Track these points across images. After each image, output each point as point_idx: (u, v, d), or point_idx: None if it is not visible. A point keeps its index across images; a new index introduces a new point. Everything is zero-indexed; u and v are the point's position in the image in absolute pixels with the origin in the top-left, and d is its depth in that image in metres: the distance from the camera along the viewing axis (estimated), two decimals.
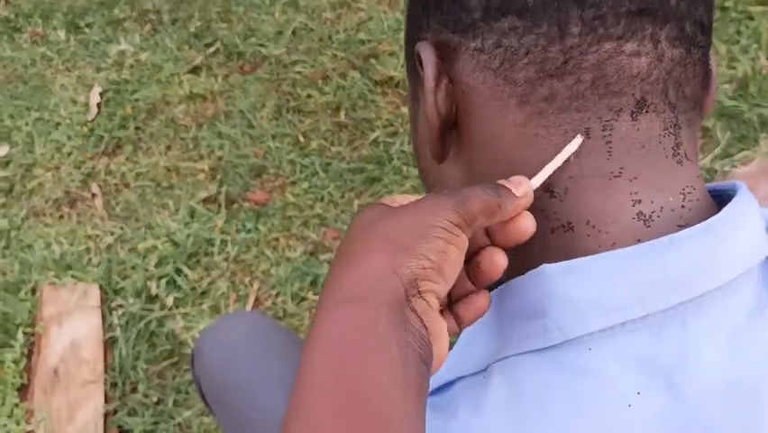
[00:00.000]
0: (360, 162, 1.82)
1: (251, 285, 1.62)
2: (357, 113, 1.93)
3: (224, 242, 1.69)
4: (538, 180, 0.39)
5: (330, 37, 2.14)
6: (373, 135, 1.87)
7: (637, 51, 0.38)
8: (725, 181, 0.42)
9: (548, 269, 0.38)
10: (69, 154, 1.94)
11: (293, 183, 1.80)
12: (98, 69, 2.16)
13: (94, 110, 2.04)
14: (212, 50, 2.16)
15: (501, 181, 0.39)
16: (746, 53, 1.83)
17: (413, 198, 0.40)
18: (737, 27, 1.89)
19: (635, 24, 0.38)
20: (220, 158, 1.88)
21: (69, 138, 1.98)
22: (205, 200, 1.79)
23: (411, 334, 0.34)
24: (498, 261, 0.39)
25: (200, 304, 1.60)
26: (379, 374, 0.32)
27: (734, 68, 1.80)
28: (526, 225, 0.39)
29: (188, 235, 1.69)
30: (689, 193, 0.39)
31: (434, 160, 0.45)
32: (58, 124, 2.02)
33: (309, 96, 1.98)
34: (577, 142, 0.39)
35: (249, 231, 1.71)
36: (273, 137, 1.90)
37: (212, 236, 1.70)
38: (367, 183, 1.78)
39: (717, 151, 1.66)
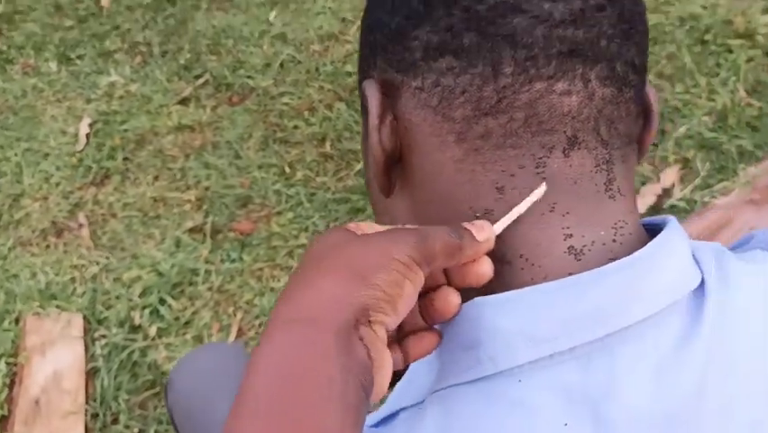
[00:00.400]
0: (345, 193, 1.83)
1: (235, 315, 1.62)
2: (342, 144, 1.95)
3: (208, 272, 1.69)
4: (501, 226, 0.40)
5: (317, 69, 2.17)
6: (358, 166, 1.89)
7: (568, 91, 0.39)
8: (658, 216, 0.44)
9: (481, 301, 0.39)
10: (57, 184, 1.96)
11: (278, 213, 1.81)
12: (88, 101, 2.19)
13: (83, 141, 2.06)
14: (201, 81, 2.18)
15: (465, 224, 0.40)
16: (726, 86, 1.85)
17: (377, 226, 0.41)
18: (717, 60, 1.93)
19: (565, 65, 0.39)
20: (207, 188, 1.89)
21: (58, 168, 1.99)
22: (191, 230, 1.80)
23: (355, 361, 0.34)
24: (452, 301, 0.40)
25: (183, 334, 1.60)
26: (316, 397, 0.32)
27: (713, 100, 1.83)
28: (485, 269, 0.39)
29: (173, 265, 1.70)
30: (620, 228, 0.41)
31: (382, 193, 0.46)
32: (47, 154, 2.04)
33: (296, 127, 2.01)
34: (541, 190, 0.40)
35: (233, 261, 1.72)
36: (259, 167, 1.91)
37: (196, 266, 1.70)
38: (352, 213, 1.79)
39: (698, 181, 1.68)
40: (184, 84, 2.19)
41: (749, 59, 1.91)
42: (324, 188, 1.86)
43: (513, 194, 0.40)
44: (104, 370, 1.53)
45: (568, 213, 0.40)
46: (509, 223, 0.40)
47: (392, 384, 0.51)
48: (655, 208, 1.65)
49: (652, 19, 2.08)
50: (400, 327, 0.43)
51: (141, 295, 1.66)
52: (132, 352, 1.56)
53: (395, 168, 0.45)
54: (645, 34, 0.43)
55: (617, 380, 0.37)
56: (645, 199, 1.64)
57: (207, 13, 2.43)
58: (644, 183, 1.70)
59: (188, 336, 1.59)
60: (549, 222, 0.40)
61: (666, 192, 1.67)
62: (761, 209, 1.61)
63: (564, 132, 0.40)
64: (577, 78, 0.39)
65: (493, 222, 0.40)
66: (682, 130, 1.78)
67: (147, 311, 1.62)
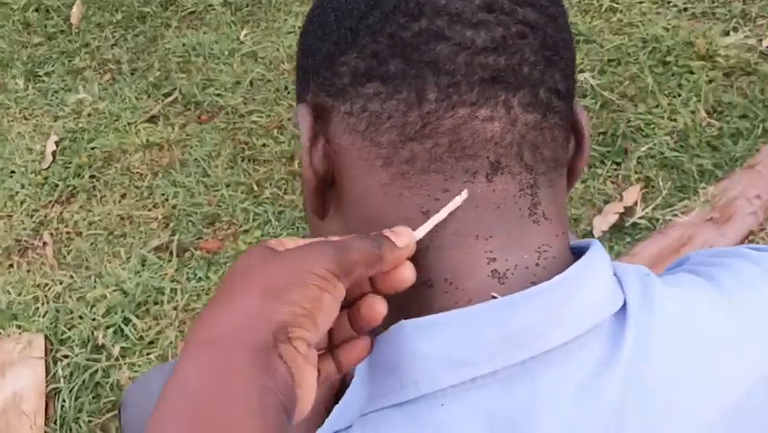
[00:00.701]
0: None
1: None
2: None
3: (173, 290, 1.68)
4: (421, 232, 0.40)
5: (286, 87, 2.17)
6: None
7: (490, 117, 0.40)
8: (583, 240, 0.44)
9: (404, 325, 0.40)
10: (22, 202, 1.94)
11: (246, 231, 1.81)
12: (56, 118, 2.17)
13: (49, 158, 2.04)
14: (170, 99, 2.18)
15: (386, 231, 0.40)
16: (687, 106, 1.89)
17: (301, 241, 0.41)
18: (678, 81, 1.96)
19: (488, 91, 0.40)
20: (174, 206, 1.88)
21: (23, 186, 1.97)
22: (157, 249, 1.79)
23: (274, 380, 0.34)
24: (377, 308, 0.40)
25: (148, 354, 1.58)
26: (234, 419, 0.32)
27: (675, 120, 1.86)
28: (406, 275, 0.40)
29: (138, 284, 1.68)
30: (544, 251, 0.41)
31: (316, 215, 0.46)
32: (12, 172, 2.02)
33: (264, 145, 2.01)
34: (462, 197, 0.40)
35: (200, 279, 1.71)
36: (227, 186, 1.91)
37: (162, 285, 1.69)
38: None
39: (659, 200, 1.70)
40: (153, 102, 2.18)
41: (710, 81, 1.94)
42: (292, 207, 1.85)
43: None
44: (65, 391, 1.51)
45: (491, 237, 0.40)
46: (430, 228, 0.40)
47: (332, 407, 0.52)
48: (618, 227, 1.67)
49: (614, 40, 2.11)
50: (331, 338, 0.43)
51: (105, 314, 1.64)
52: (95, 372, 1.54)
53: (329, 191, 0.45)
54: (571, 61, 0.44)
55: (538, 404, 0.38)
56: (608, 218, 1.66)
57: (177, 31, 2.43)
58: (606, 202, 1.72)
59: (153, 356, 1.57)
60: (473, 246, 0.40)
61: (628, 211, 1.69)
62: (720, 228, 1.64)
63: (487, 157, 0.40)
64: (499, 104, 0.40)
65: (419, 245, 0.41)
66: (644, 149, 1.80)
67: (111, 331, 1.61)
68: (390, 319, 0.41)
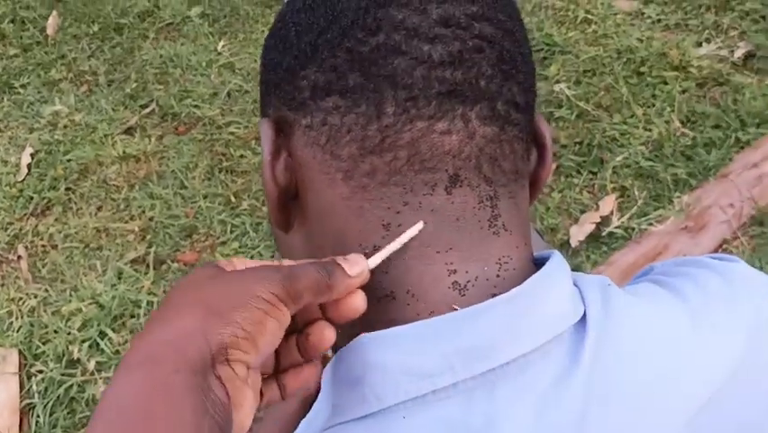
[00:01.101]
0: None
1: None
2: None
3: (150, 303, 1.67)
4: (375, 261, 0.40)
5: None
6: None
7: (448, 130, 0.40)
8: (545, 251, 0.44)
9: (365, 337, 0.40)
10: None
11: (223, 243, 1.80)
12: (31, 130, 2.15)
13: (24, 171, 2.02)
14: (147, 110, 2.17)
15: (339, 259, 0.40)
16: (661, 116, 1.91)
17: (251, 263, 0.40)
18: (653, 91, 1.99)
19: (445, 105, 0.40)
20: (151, 218, 1.87)
21: None
22: (134, 261, 1.78)
23: (211, 401, 0.33)
24: (326, 335, 0.40)
25: None
26: None
27: (650, 130, 1.88)
28: (357, 304, 0.40)
29: (114, 297, 1.67)
30: (504, 263, 0.41)
31: (280, 229, 0.46)
32: None
33: (242, 156, 2.00)
34: (418, 227, 0.40)
35: None
36: (205, 197, 1.90)
37: (138, 298, 1.68)
38: None
39: (635, 209, 1.72)
40: (130, 113, 2.17)
41: (683, 91, 1.97)
42: (269, 218, 1.85)
43: (398, 231, 0.41)
44: (39, 406, 1.49)
45: (451, 249, 0.41)
46: (385, 258, 0.40)
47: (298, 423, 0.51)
48: (594, 236, 1.68)
49: (590, 52, 2.14)
50: (278, 361, 0.43)
51: (81, 328, 1.63)
52: (70, 387, 1.52)
53: (292, 204, 0.45)
54: (530, 74, 0.45)
55: (498, 416, 0.38)
56: (584, 227, 1.67)
57: (155, 43, 2.42)
58: (583, 211, 1.74)
59: None
60: (433, 258, 0.41)
61: (604, 220, 1.70)
62: (695, 237, 1.66)
63: (446, 170, 0.40)
64: (457, 117, 0.40)
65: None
66: (620, 159, 1.82)
67: (86, 345, 1.59)
68: (353, 332, 0.41)
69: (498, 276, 0.41)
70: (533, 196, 0.48)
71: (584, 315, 0.42)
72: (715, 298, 0.46)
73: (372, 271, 0.41)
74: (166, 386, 0.32)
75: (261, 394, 0.41)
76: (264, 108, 0.47)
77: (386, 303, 0.41)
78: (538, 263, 0.44)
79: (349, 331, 0.42)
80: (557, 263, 0.42)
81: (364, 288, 0.41)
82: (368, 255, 0.41)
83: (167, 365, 0.33)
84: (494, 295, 0.40)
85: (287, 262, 0.40)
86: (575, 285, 0.43)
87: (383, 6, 0.40)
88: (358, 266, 0.39)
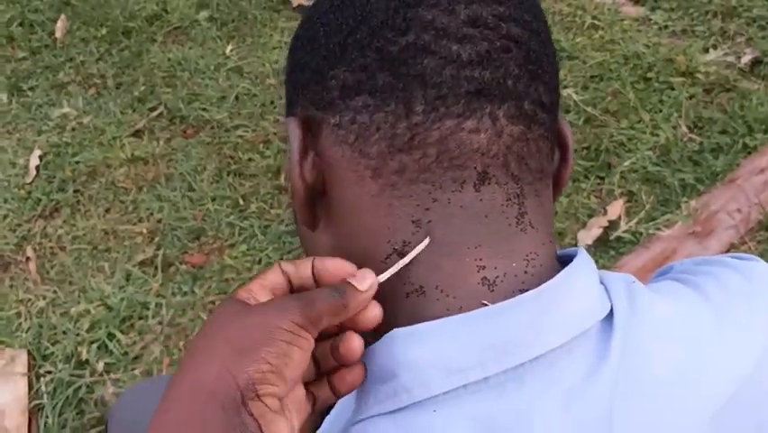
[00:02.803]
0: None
1: (186, 349, 1.60)
2: None
3: (158, 305, 1.67)
4: (385, 276, 0.42)
5: (272, 102, 2.18)
6: None
7: (477, 128, 0.41)
8: (569, 249, 0.45)
9: (397, 333, 0.40)
10: (5, 217, 1.92)
11: (231, 246, 1.80)
12: (39, 132, 2.16)
13: (32, 173, 2.03)
14: (155, 113, 2.18)
15: (349, 278, 0.41)
16: (668, 122, 1.92)
17: (267, 280, 0.42)
18: (660, 97, 1.99)
19: (474, 104, 0.41)
20: (159, 221, 1.88)
21: (6, 201, 1.96)
22: (142, 263, 1.78)
23: None
24: (354, 346, 0.41)
25: (132, 369, 1.57)
26: None
27: (657, 135, 1.89)
28: (373, 315, 0.42)
29: (122, 299, 1.67)
30: (532, 259, 0.42)
31: (306, 227, 0.47)
32: None
33: (250, 159, 2.01)
34: (425, 243, 0.41)
35: (185, 294, 1.70)
36: (213, 200, 1.91)
37: (147, 300, 1.68)
38: None
39: (642, 214, 1.72)
40: (138, 116, 2.18)
41: (690, 96, 1.98)
42: (278, 221, 1.86)
43: (429, 227, 0.42)
44: (48, 407, 1.49)
45: (480, 245, 0.41)
46: (393, 273, 0.41)
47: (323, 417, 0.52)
48: (602, 240, 1.69)
49: (597, 57, 2.14)
50: (318, 366, 0.44)
51: (89, 330, 1.63)
52: (79, 388, 1.53)
53: (319, 202, 0.46)
54: (555, 74, 0.45)
55: (529, 409, 0.38)
56: (592, 232, 1.67)
57: (163, 46, 2.44)
58: (590, 216, 1.74)
59: (137, 372, 1.56)
60: (463, 254, 0.41)
61: (612, 224, 1.70)
62: (702, 242, 1.66)
63: (475, 167, 0.41)
64: (485, 116, 0.41)
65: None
66: (627, 164, 1.83)
67: (95, 346, 1.59)
68: (382, 328, 0.42)
69: (525, 272, 0.42)
70: (555, 195, 0.49)
71: (610, 311, 0.42)
72: (736, 296, 0.47)
73: (401, 269, 0.41)
74: (205, 422, 0.35)
75: (315, 397, 0.43)
76: (290, 108, 0.48)
77: (414, 298, 0.42)
78: (563, 261, 0.45)
79: (377, 327, 0.43)
80: (583, 260, 0.42)
81: (394, 283, 0.42)
82: (397, 252, 0.42)
83: (204, 403, 0.36)
84: (522, 291, 0.40)
85: (285, 266, 0.42)
86: (600, 282, 0.44)
87: (412, 7, 0.41)
88: (367, 281, 0.41)
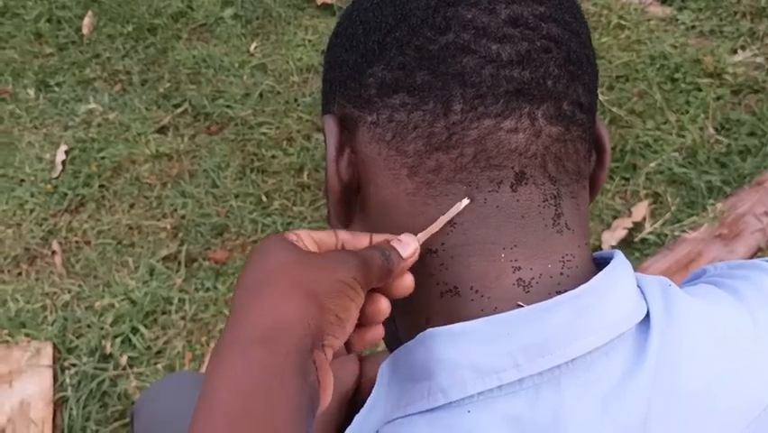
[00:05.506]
0: (321, 223, 1.84)
1: (208, 344, 1.61)
2: (320, 174, 1.96)
3: (181, 300, 1.69)
4: (424, 236, 0.42)
5: (296, 100, 2.19)
6: None
7: (515, 128, 0.41)
8: (605, 251, 0.45)
9: (432, 333, 0.40)
10: (32, 211, 1.95)
11: (254, 242, 1.81)
12: (66, 128, 2.18)
13: (59, 168, 2.05)
14: (180, 110, 2.19)
15: (393, 242, 0.41)
16: (695, 123, 1.90)
17: (316, 234, 0.42)
18: (686, 98, 1.97)
19: (512, 103, 0.40)
20: (183, 216, 1.89)
21: (32, 195, 1.98)
22: (166, 258, 1.79)
23: (308, 384, 0.35)
24: (382, 307, 0.42)
25: (155, 363, 1.58)
26: (279, 415, 0.33)
27: (683, 136, 1.87)
28: (408, 283, 0.42)
29: (146, 294, 1.69)
30: (568, 261, 0.42)
31: (340, 223, 0.47)
32: (22, 181, 2.03)
33: (273, 156, 2.02)
34: (463, 203, 0.41)
35: (208, 289, 1.71)
36: (236, 196, 1.92)
37: (170, 295, 1.69)
38: None
39: (668, 216, 1.71)
40: (163, 113, 2.20)
41: (717, 98, 1.95)
42: (300, 218, 1.86)
43: (464, 227, 0.41)
44: (72, 399, 1.51)
45: (516, 246, 0.41)
46: (433, 233, 0.41)
47: (352, 415, 0.52)
48: (627, 242, 1.67)
49: (623, 57, 2.12)
50: None
51: (113, 324, 1.65)
52: (102, 381, 1.54)
53: (354, 199, 0.46)
54: (594, 75, 0.45)
55: (565, 411, 0.38)
56: (616, 233, 1.66)
57: (188, 43, 2.45)
58: (615, 217, 1.73)
59: (160, 366, 1.57)
60: (498, 254, 0.41)
61: (637, 226, 1.69)
62: (729, 244, 1.64)
63: (512, 167, 0.41)
64: (524, 116, 0.41)
65: (444, 254, 0.41)
66: (653, 165, 1.81)
67: (118, 340, 1.61)
68: (416, 327, 0.42)
69: (561, 274, 0.41)
70: (591, 197, 0.48)
71: (647, 314, 0.42)
72: None
73: (436, 267, 0.41)
74: (278, 367, 0.34)
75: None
76: (327, 105, 0.48)
77: (448, 298, 0.41)
78: (598, 263, 0.45)
79: (413, 326, 0.43)
80: (620, 262, 0.42)
81: (428, 284, 0.42)
82: (431, 251, 0.42)
83: (278, 348, 0.35)
84: (558, 292, 0.40)
85: (341, 234, 0.42)
86: (637, 285, 0.43)
87: (452, 6, 0.41)
88: (410, 247, 0.41)
